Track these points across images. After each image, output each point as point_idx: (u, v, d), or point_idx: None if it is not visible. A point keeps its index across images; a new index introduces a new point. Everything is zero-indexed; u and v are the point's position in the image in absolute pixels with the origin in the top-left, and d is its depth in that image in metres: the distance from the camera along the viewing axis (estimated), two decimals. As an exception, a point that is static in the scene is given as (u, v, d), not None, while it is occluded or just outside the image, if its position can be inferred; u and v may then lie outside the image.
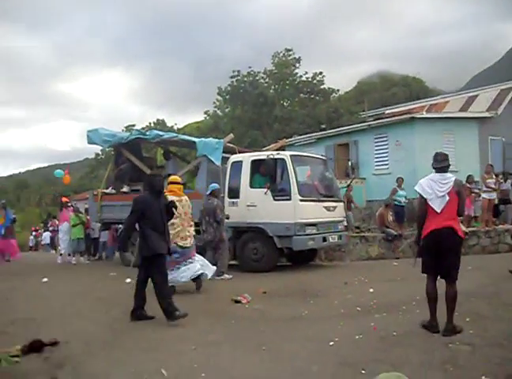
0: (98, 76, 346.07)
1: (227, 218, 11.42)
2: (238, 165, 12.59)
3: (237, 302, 8.19)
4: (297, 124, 34.47)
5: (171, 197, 9.05)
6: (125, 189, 14.51)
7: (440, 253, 5.82)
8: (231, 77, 37.23)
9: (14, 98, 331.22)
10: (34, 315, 7.62)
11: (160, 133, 15.20)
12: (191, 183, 14.23)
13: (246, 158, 12.67)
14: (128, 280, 10.73)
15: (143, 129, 29.53)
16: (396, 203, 15.53)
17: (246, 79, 37.00)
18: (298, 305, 7.89)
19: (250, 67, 37.51)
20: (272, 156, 11.87)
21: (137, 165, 14.55)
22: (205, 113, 44.18)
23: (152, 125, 51.10)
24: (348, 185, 16.32)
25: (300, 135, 24.05)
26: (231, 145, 13.62)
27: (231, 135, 14.22)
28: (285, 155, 12.14)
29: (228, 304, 8.16)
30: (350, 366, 4.80)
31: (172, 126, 49.67)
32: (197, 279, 9.38)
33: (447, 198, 5.80)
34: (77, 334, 6.31)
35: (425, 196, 5.94)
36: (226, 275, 11.02)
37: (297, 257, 13.27)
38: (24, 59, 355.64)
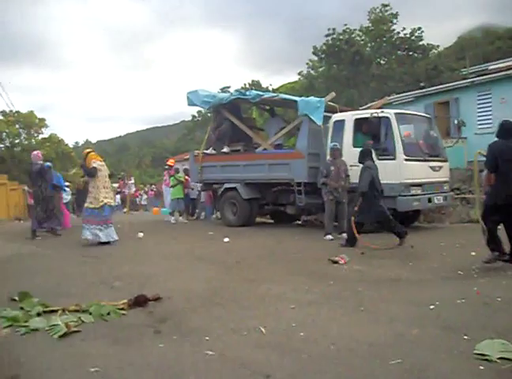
0: (195, 40, 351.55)
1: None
2: (340, 124, 12.40)
3: (335, 262, 8.14)
4: (395, 82, 33.28)
5: (99, 162, 11.70)
6: (225, 149, 14.69)
7: None
8: (327, 36, 36.39)
9: (117, 64, 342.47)
10: (137, 271, 7.98)
11: (260, 92, 15.19)
12: (287, 142, 14.18)
13: (349, 117, 12.45)
14: (226, 239, 10.99)
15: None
16: None
17: (341, 37, 36.03)
18: (397, 268, 7.77)
19: (345, 25, 36.49)
20: (376, 115, 11.59)
21: (237, 125, 14.66)
22: (299, 74, 43.71)
23: (248, 86, 51.21)
24: None
25: (398, 93, 23.30)
26: (333, 104, 13.41)
27: (333, 93, 13.84)
28: (390, 113, 11.80)
29: (326, 264, 8.14)
30: (452, 331, 4.65)
31: (267, 87, 49.59)
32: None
33: None
34: (178, 291, 6.52)
35: None
36: (329, 236, 11.04)
37: (400, 219, 12.95)
38: (125, 25, 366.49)
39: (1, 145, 54.93)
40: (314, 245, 10.22)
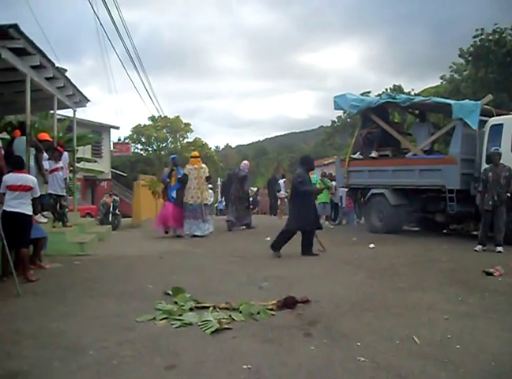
0: (335, 47, 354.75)
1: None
2: (498, 128, 11.74)
3: (489, 274, 7.68)
4: (554, 84, 30.94)
5: (189, 167, 13.99)
6: (373, 154, 14.48)
7: None
8: (474, 37, 34.60)
9: (257, 71, 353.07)
10: (284, 273, 8.03)
11: (410, 96, 14.82)
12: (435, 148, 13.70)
13: (508, 120, 11.78)
14: (371, 246, 10.84)
15: (379, 95, 29.06)
16: None
17: (491, 37, 34.17)
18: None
19: (495, 24, 34.51)
20: None
21: (385, 130, 14.39)
22: (441, 78, 42.12)
23: (389, 91, 50.22)
24: None
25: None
26: (489, 107, 12.77)
27: (490, 96, 13.14)
28: None
29: (479, 275, 7.72)
30: None
31: (409, 92, 48.23)
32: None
33: None
34: (325, 294, 6.47)
35: None
36: (479, 246, 10.46)
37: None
38: (266, 33, 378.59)
39: (150, 148, 58.39)
40: (464, 254, 9.75)
